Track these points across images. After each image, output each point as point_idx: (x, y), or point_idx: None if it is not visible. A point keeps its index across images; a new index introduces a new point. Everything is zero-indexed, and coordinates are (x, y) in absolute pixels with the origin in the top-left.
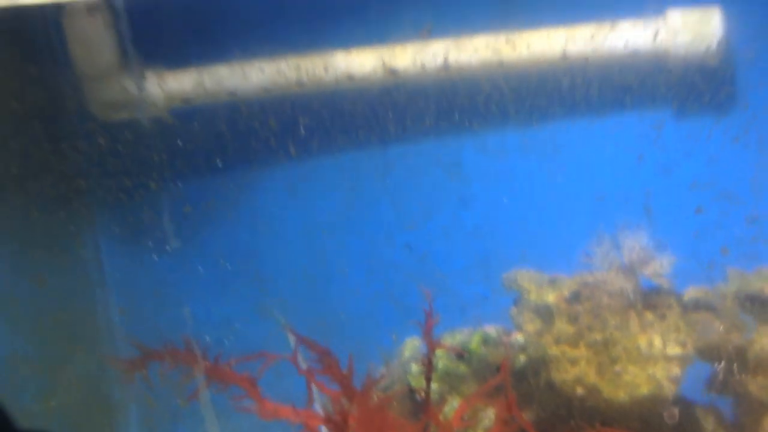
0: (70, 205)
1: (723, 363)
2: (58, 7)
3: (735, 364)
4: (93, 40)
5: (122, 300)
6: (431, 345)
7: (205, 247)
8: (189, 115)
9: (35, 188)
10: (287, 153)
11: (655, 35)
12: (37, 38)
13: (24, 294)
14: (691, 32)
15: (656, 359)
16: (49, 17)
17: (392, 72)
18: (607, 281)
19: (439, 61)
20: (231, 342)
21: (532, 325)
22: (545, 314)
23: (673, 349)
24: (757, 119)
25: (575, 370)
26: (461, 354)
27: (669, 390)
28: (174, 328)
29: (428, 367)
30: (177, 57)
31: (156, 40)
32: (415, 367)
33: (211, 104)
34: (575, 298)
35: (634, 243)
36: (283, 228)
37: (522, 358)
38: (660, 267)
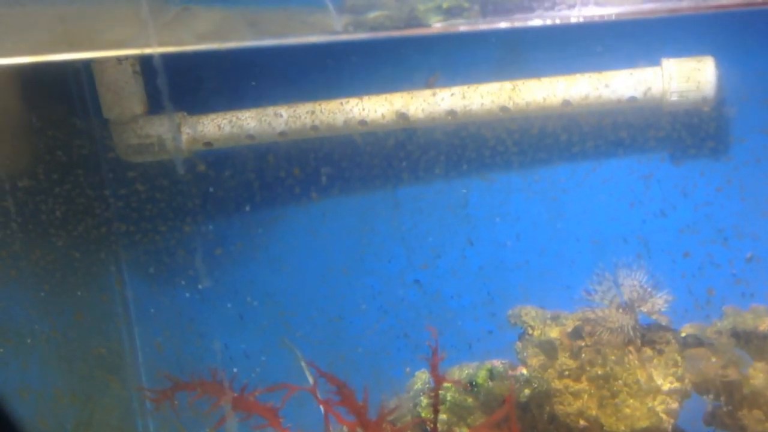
0: (102, 245)
1: (719, 397)
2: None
3: (731, 399)
4: (121, 87)
5: (149, 334)
6: (438, 379)
7: (227, 285)
8: (218, 162)
9: (77, 231)
10: (308, 197)
11: (650, 84)
12: (70, 87)
13: (62, 330)
14: (686, 80)
15: (655, 393)
16: (81, 65)
17: (403, 117)
18: (608, 318)
19: (447, 107)
20: (255, 374)
21: (536, 360)
22: (548, 349)
23: (671, 384)
24: (738, 171)
25: (577, 403)
26: (467, 388)
27: (667, 423)
28: (197, 361)
29: (435, 400)
30: (198, 103)
31: (179, 86)
32: (424, 400)
33: (237, 151)
34: (577, 333)
35: (633, 282)
36: (301, 267)
37: (526, 392)
38: (658, 304)
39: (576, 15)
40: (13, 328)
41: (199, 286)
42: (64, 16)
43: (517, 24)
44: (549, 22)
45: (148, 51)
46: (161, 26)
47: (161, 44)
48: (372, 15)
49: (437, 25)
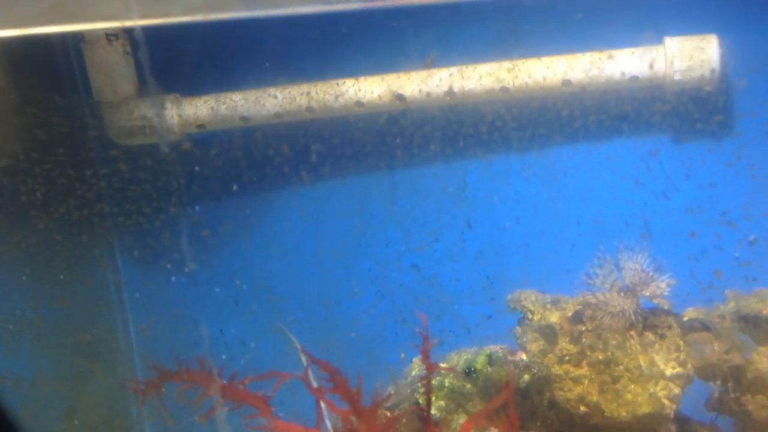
0: (91, 228)
1: (723, 382)
2: (79, 36)
3: (735, 384)
4: (112, 68)
5: (140, 320)
6: (429, 367)
7: (220, 268)
8: (205, 141)
9: (59, 213)
10: (299, 178)
11: (652, 62)
12: (58, 66)
13: (47, 315)
14: (688, 59)
15: (657, 378)
16: (70, 45)
17: (399, 98)
18: (609, 302)
19: (444, 87)
20: (246, 361)
21: (535, 345)
22: (548, 334)
23: (674, 369)
24: (749, 146)
25: (578, 388)
26: (459, 374)
27: (669, 408)
28: (190, 346)
29: (427, 387)
30: (192, 84)
31: (172, 68)
32: (422, 387)
33: (225, 130)
34: (577, 318)
35: (635, 265)
36: (295, 250)
37: (526, 377)
38: (660, 288)
39: None
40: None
41: (186, 270)
42: None
43: None
44: None
45: (138, 23)
46: (152, 2)
47: (149, 17)
48: None
49: None
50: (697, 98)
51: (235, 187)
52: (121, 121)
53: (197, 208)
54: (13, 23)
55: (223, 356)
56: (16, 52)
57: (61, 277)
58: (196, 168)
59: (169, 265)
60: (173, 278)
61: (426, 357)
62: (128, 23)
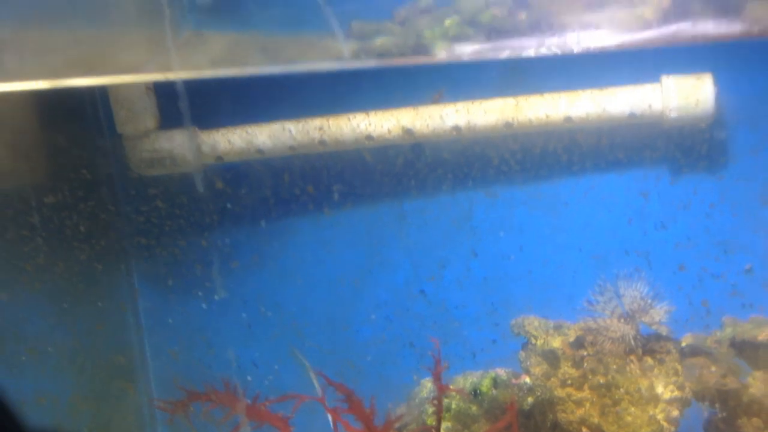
0: (116, 257)
1: (719, 405)
2: None
3: (730, 407)
4: (134, 103)
5: (156, 344)
6: (440, 388)
7: (235, 295)
8: (222, 172)
9: (98, 245)
10: (312, 207)
11: (650, 100)
12: (84, 102)
13: (83, 339)
14: (685, 97)
15: (656, 401)
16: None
17: (408, 133)
18: (609, 328)
19: (451, 122)
20: (267, 383)
21: (539, 369)
22: (551, 358)
23: (672, 392)
24: (744, 179)
25: (580, 411)
26: (468, 396)
27: (668, 430)
28: (205, 369)
29: (438, 408)
30: (210, 118)
31: (191, 102)
32: (429, 408)
33: (242, 161)
34: (579, 343)
35: (634, 292)
36: (308, 277)
37: (530, 400)
38: (658, 315)
39: (577, 47)
40: (34, 337)
41: (216, 297)
42: (79, 39)
43: (519, 54)
44: (549, 52)
45: (160, 77)
46: (174, 50)
47: (173, 69)
48: (379, 41)
49: (442, 54)
50: (693, 133)
51: (250, 217)
52: (143, 153)
53: (214, 237)
54: (44, 73)
55: (249, 378)
56: (45, 91)
57: (99, 304)
58: (214, 198)
59: (186, 292)
60: (190, 304)
61: (438, 379)
62: (156, 76)
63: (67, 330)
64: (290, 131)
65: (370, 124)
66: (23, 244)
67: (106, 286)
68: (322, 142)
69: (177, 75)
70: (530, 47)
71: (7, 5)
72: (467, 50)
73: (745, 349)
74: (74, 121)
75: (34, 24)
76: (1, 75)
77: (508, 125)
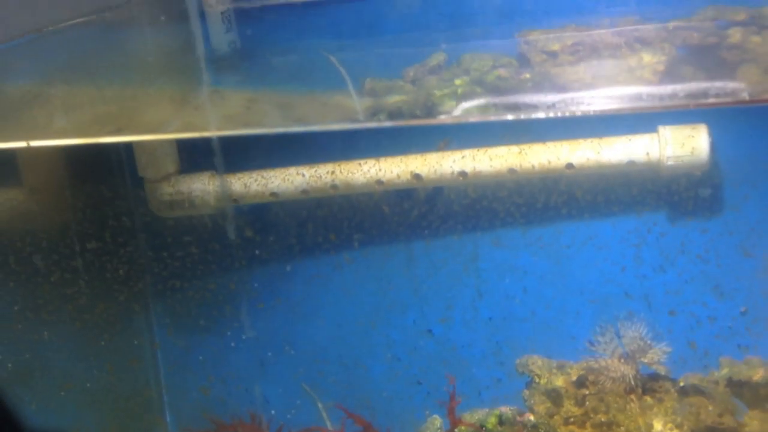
0: (152, 298)
1: None
2: None
3: None
4: (156, 148)
5: (183, 380)
6: (453, 422)
7: (263, 335)
8: (252, 222)
9: (136, 287)
10: (322, 248)
11: (648, 149)
12: (110, 152)
13: (120, 376)
14: (681, 146)
15: None
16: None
17: (416, 178)
18: (610, 368)
19: (457, 168)
20: (290, 416)
21: (542, 407)
22: (554, 397)
23: (671, 430)
24: (738, 224)
25: None
26: (479, 430)
27: None
28: (218, 403)
29: None
30: (227, 163)
31: (209, 148)
32: None
33: (257, 204)
34: (581, 382)
35: (634, 333)
36: (318, 315)
37: None
38: (657, 355)
39: (577, 110)
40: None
41: (243, 336)
42: (105, 97)
43: (525, 116)
44: (552, 114)
45: (184, 135)
46: (193, 108)
47: (193, 127)
48: (391, 99)
49: (451, 115)
50: (689, 180)
51: (276, 262)
52: (163, 195)
53: (242, 280)
54: (73, 132)
55: (273, 412)
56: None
57: (135, 342)
58: (244, 245)
59: (214, 332)
60: (218, 344)
61: (452, 412)
62: (173, 136)
63: (104, 366)
64: (303, 175)
65: (380, 170)
66: (67, 286)
67: (142, 325)
68: (333, 186)
69: (198, 134)
70: (534, 106)
71: (37, 64)
72: (474, 108)
73: (741, 389)
74: (108, 170)
75: (63, 81)
76: (37, 132)
77: (512, 171)
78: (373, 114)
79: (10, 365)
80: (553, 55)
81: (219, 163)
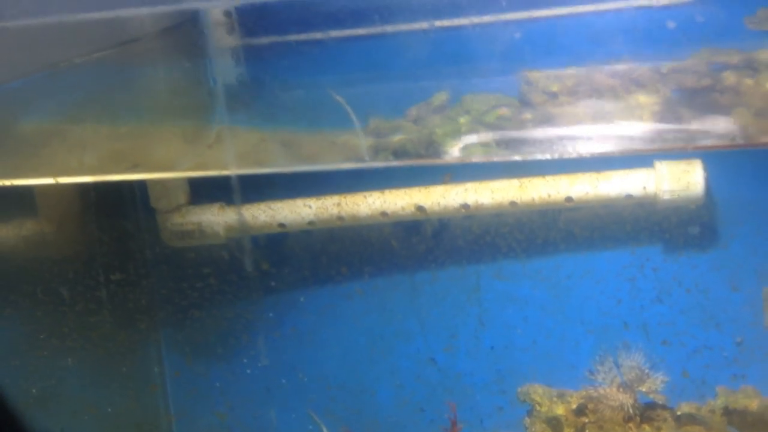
0: (172, 327)
1: None
2: None
3: None
4: (168, 180)
5: (201, 406)
6: None
7: (276, 363)
8: (268, 255)
9: (157, 316)
10: (328, 278)
11: (644, 183)
12: (123, 186)
13: (134, 399)
14: (677, 181)
15: None
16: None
17: (420, 210)
18: (609, 396)
19: (460, 201)
20: None
21: None
22: (555, 425)
23: None
24: (731, 258)
25: None
26: None
27: None
28: (225, 429)
29: None
30: (235, 194)
31: (219, 180)
32: None
33: (269, 236)
34: (581, 410)
35: (632, 363)
36: (324, 344)
37: None
38: (655, 384)
39: (574, 152)
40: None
41: (259, 364)
42: (118, 135)
43: (526, 157)
44: (549, 156)
45: (196, 174)
46: (204, 147)
47: (204, 166)
48: (395, 138)
49: (453, 155)
50: (685, 214)
51: (289, 293)
52: (174, 226)
53: (258, 311)
54: (87, 169)
55: None
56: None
57: (156, 369)
58: (260, 277)
59: (232, 360)
60: (236, 372)
61: None
62: (190, 173)
63: (125, 392)
64: (310, 207)
65: (384, 202)
66: (91, 315)
67: (162, 352)
68: (339, 218)
69: (209, 173)
70: (535, 147)
71: (52, 101)
72: (475, 147)
73: (737, 418)
74: (121, 202)
75: (79, 119)
76: (52, 170)
77: (513, 204)
78: (377, 152)
79: (34, 390)
80: (553, 95)
81: (234, 196)
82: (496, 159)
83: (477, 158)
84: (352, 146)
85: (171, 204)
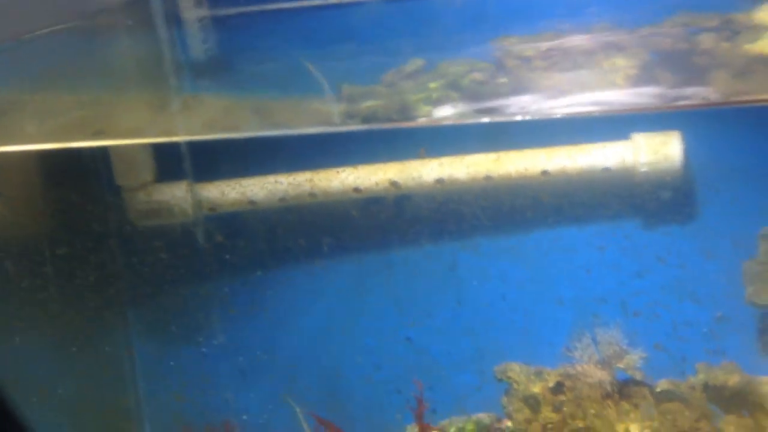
0: (123, 305)
1: None
2: None
3: None
4: (133, 157)
5: (155, 388)
6: (422, 427)
7: (234, 341)
8: (216, 222)
9: (107, 293)
10: (303, 258)
11: (622, 156)
12: (88, 160)
13: (85, 380)
14: (654, 153)
15: None
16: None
17: (394, 185)
18: (587, 373)
19: (435, 176)
20: (264, 422)
21: (521, 414)
22: (532, 403)
23: None
24: (710, 231)
25: None
26: None
27: None
28: (198, 414)
29: None
30: (205, 171)
31: (189, 155)
32: None
33: (234, 212)
34: (559, 388)
35: (610, 339)
36: (299, 324)
37: None
38: (633, 360)
39: (551, 113)
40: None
41: (214, 342)
42: (81, 103)
43: (499, 119)
44: (521, 118)
45: (162, 140)
46: (172, 114)
47: (171, 132)
48: (366, 104)
49: (425, 118)
50: (663, 187)
51: (243, 266)
52: (140, 204)
53: (212, 286)
54: (48, 136)
55: (244, 417)
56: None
57: (107, 348)
58: (213, 251)
59: (185, 338)
60: (189, 349)
61: (420, 418)
62: (151, 140)
63: (76, 373)
64: (281, 183)
65: (357, 177)
66: (37, 292)
67: (113, 332)
68: (311, 194)
69: (177, 138)
70: (509, 110)
71: (14, 72)
72: (449, 113)
73: (717, 395)
74: (85, 178)
75: (41, 89)
76: (10, 137)
77: (488, 178)
78: (350, 118)
79: None
80: (527, 60)
81: (190, 171)
82: (468, 121)
83: (448, 121)
84: (323, 113)
85: (137, 181)
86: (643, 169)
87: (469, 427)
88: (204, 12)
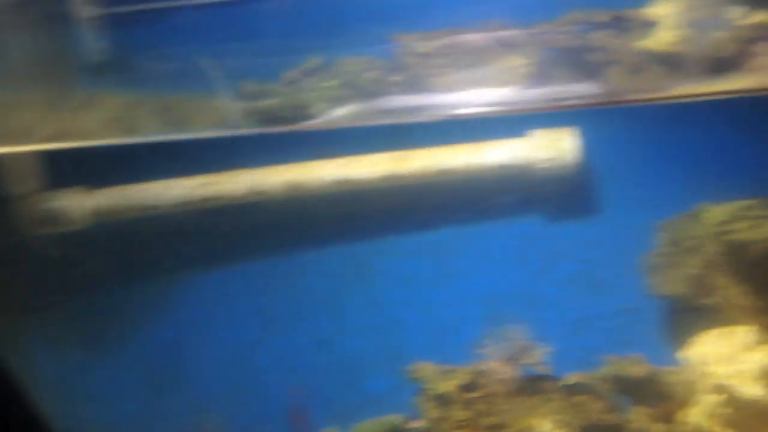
0: (19, 314)
1: None
2: None
3: None
4: (24, 164)
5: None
6: None
7: (133, 348)
8: (115, 228)
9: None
10: (208, 262)
11: (520, 153)
12: None
13: None
14: (551, 150)
15: None
16: None
17: (296, 188)
18: (497, 370)
19: (336, 176)
20: None
21: (433, 413)
22: (444, 402)
23: (560, 429)
24: (578, 238)
25: None
26: None
27: None
28: (104, 426)
29: None
30: (98, 177)
31: (80, 161)
32: None
33: (132, 218)
34: (470, 386)
35: (517, 335)
36: (206, 330)
37: None
38: (540, 356)
39: (442, 115)
40: None
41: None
42: None
43: (400, 120)
44: (417, 120)
45: (53, 146)
46: (68, 111)
47: (67, 132)
48: (264, 103)
49: (320, 120)
50: (562, 183)
51: (146, 273)
52: (32, 212)
53: (112, 293)
54: None
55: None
56: None
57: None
58: (108, 254)
59: (86, 347)
60: (90, 358)
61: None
62: (43, 146)
63: None
64: (179, 188)
65: (258, 180)
66: None
67: (9, 342)
68: (211, 198)
69: (69, 144)
70: (404, 108)
71: None
72: (346, 112)
73: (625, 386)
74: None
75: None
76: None
77: (391, 177)
78: (249, 116)
79: None
80: (423, 57)
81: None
82: (361, 123)
83: (343, 123)
84: (225, 110)
85: (28, 188)
86: (541, 165)
87: (383, 428)
88: (99, 10)
